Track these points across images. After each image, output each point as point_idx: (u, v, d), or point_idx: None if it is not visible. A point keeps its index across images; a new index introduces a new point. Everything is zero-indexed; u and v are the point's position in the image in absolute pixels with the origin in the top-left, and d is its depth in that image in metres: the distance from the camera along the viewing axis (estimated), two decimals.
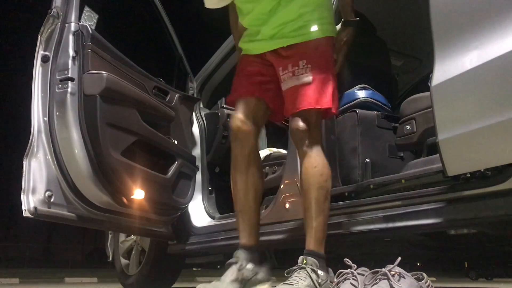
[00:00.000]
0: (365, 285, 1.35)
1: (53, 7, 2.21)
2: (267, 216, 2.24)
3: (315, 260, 1.67)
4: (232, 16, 2.12)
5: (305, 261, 1.66)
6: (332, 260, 3.42)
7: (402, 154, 2.30)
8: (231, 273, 1.72)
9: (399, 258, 1.35)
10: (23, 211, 1.99)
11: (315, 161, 1.76)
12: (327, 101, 1.77)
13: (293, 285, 1.60)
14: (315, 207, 1.73)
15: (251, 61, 1.95)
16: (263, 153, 2.78)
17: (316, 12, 1.84)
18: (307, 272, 1.63)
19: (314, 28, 1.83)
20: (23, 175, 2.04)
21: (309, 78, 1.77)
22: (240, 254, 1.78)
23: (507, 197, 1.46)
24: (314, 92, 1.76)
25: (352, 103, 2.36)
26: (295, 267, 1.67)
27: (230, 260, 1.78)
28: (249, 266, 1.76)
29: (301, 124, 1.77)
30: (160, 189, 2.50)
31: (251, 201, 1.87)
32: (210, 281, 1.77)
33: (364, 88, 2.41)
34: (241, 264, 1.75)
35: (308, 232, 1.73)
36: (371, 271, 1.38)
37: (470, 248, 2.43)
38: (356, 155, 2.19)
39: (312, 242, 1.71)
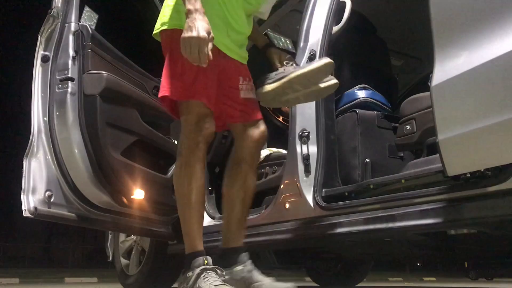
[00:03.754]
0: None
1: (53, 7, 2.21)
2: (267, 216, 2.24)
3: None
4: None
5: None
6: (333, 260, 3.44)
7: (402, 154, 2.31)
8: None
9: None
10: (23, 211, 1.99)
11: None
12: None
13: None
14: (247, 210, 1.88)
15: (220, 61, 1.73)
16: (263, 153, 2.77)
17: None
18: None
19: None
20: (23, 175, 2.03)
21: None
22: (208, 259, 1.66)
23: (507, 197, 1.45)
24: None
25: (352, 103, 2.36)
26: (250, 267, 1.75)
27: (212, 266, 1.64)
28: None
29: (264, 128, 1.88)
30: (160, 189, 2.50)
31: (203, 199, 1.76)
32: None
33: (364, 88, 2.41)
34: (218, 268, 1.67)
35: (242, 230, 1.86)
36: None
37: (470, 248, 2.43)
38: (356, 155, 2.20)
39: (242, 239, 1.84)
